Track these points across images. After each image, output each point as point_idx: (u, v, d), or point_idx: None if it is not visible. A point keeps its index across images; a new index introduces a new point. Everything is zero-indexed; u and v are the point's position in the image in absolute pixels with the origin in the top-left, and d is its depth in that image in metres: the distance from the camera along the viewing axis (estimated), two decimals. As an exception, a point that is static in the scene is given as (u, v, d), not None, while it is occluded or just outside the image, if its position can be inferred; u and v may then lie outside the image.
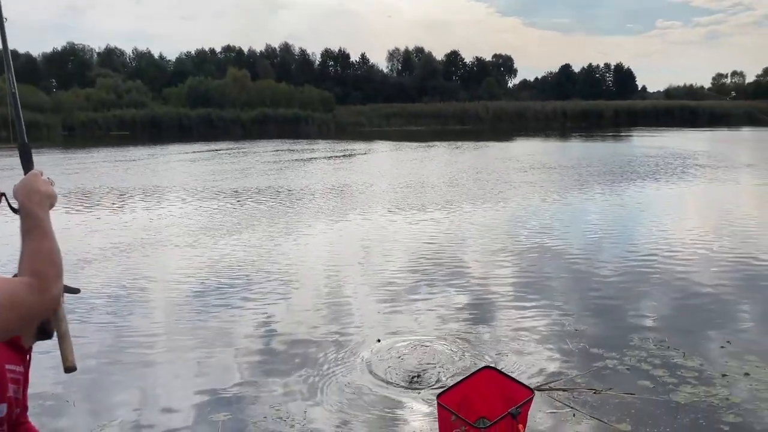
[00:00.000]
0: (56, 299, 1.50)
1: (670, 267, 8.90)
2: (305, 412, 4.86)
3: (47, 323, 2.37)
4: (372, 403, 4.98)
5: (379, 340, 6.08)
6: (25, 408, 2.37)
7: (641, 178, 18.84)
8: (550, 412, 4.74)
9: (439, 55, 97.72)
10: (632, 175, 19.66)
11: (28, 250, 1.46)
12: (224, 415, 4.84)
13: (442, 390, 3.87)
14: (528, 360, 5.76)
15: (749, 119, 56.58)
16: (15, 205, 1.67)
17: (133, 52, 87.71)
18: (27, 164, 1.74)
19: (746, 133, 39.43)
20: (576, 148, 30.01)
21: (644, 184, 17.55)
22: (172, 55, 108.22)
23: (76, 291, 2.65)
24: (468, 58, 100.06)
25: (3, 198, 1.68)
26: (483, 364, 5.55)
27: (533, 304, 7.34)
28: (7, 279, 1.40)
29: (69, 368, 1.85)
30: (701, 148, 28.66)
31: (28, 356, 2.28)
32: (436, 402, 3.69)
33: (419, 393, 5.16)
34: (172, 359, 6.06)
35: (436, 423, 4.40)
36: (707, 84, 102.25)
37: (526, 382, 5.24)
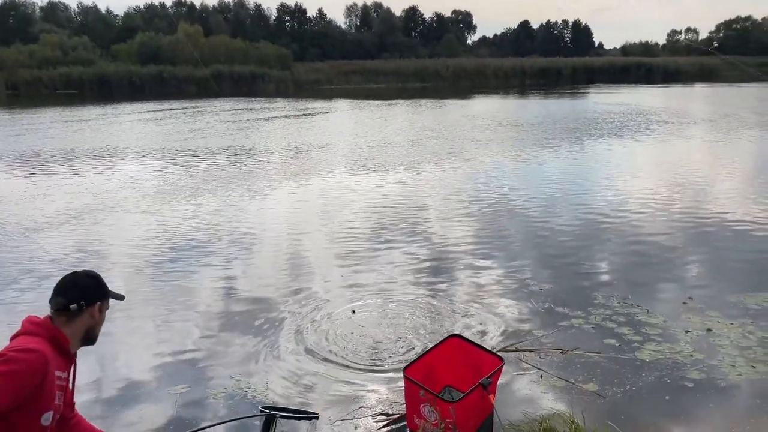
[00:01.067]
0: None
1: (632, 225, 8.97)
2: (267, 382, 4.71)
3: (92, 330, 2.44)
4: (336, 374, 4.85)
5: (354, 312, 5.87)
6: (71, 406, 2.51)
7: (608, 135, 18.84)
8: (518, 374, 4.70)
9: (398, 10, 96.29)
10: (598, 132, 19.67)
11: None
12: (182, 387, 4.65)
13: (408, 362, 3.74)
14: (493, 321, 5.70)
15: (701, 75, 57.64)
16: None
17: (78, 7, 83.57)
18: None
19: (701, 89, 40.12)
20: (537, 105, 30.02)
21: (611, 141, 17.59)
22: (119, 10, 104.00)
23: (120, 297, 2.55)
24: (427, 14, 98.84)
25: None
26: (448, 329, 5.49)
27: (497, 264, 7.29)
28: None
29: None
30: (661, 104, 28.99)
31: (73, 362, 2.41)
32: (402, 374, 3.57)
33: (383, 362, 5.06)
34: (130, 328, 5.84)
35: (402, 394, 4.32)
36: (662, 41, 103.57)
37: (492, 343, 5.21)
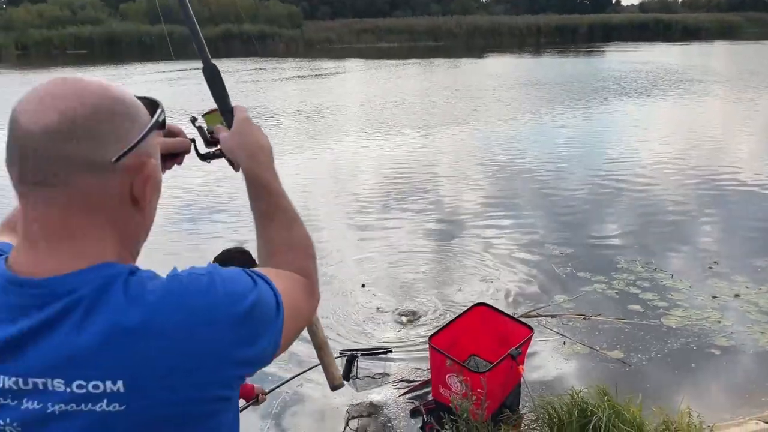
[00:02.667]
0: (317, 304, 1.16)
1: (655, 188, 8.78)
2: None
3: None
4: (349, 342, 4.80)
5: (363, 285, 5.73)
6: None
7: (637, 95, 18.28)
8: (540, 340, 4.62)
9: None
10: (626, 91, 18.98)
11: (278, 239, 1.13)
12: None
13: (434, 331, 3.67)
14: (514, 286, 5.62)
15: (721, 32, 56.17)
16: (204, 150, 1.27)
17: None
18: (221, 97, 1.26)
19: (723, 46, 39.11)
20: (556, 64, 29.40)
21: (641, 101, 17.10)
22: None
23: None
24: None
25: (192, 145, 1.23)
26: (467, 295, 5.41)
27: (516, 228, 7.16)
28: (281, 276, 1.02)
29: (337, 386, 1.45)
30: (688, 62, 28.20)
31: None
32: (428, 344, 3.50)
33: (407, 329, 5.00)
34: None
35: (421, 362, 4.28)
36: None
37: (512, 309, 5.12)
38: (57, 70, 27.81)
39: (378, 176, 9.74)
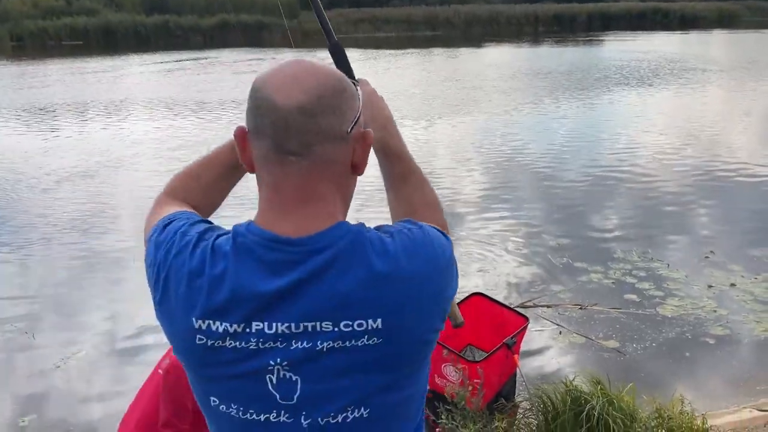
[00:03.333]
0: None
1: (651, 178, 8.78)
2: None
3: None
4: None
5: None
6: None
7: (638, 84, 18.28)
8: (536, 330, 4.65)
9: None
10: (628, 81, 19.02)
11: (415, 199, 1.26)
12: None
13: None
14: (510, 276, 5.64)
15: (720, 21, 56.01)
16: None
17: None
18: (346, 72, 1.32)
19: (722, 35, 39.01)
20: (556, 54, 29.29)
21: (643, 91, 17.08)
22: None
23: None
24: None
25: None
26: (463, 284, 5.43)
27: (515, 220, 7.16)
28: (433, 235, 1.06)
29: (460, 324, 1.62)
30: (689, 51, 28.04)
31: None
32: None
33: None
34: (142, 277, 5.84)
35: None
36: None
37: (509, 299, 5.14)
38: (54, 62, 27.68)
39: (377, 168, 9.73)
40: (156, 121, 14.31)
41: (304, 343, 0.92)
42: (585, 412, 2.74)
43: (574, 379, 3.08)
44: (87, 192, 8.73)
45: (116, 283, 5.86)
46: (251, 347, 0.92)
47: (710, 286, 5.25)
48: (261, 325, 0.92)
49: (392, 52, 30.36)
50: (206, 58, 27.76)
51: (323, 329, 0.91)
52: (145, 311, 5.11)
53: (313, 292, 0.91)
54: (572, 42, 36.09)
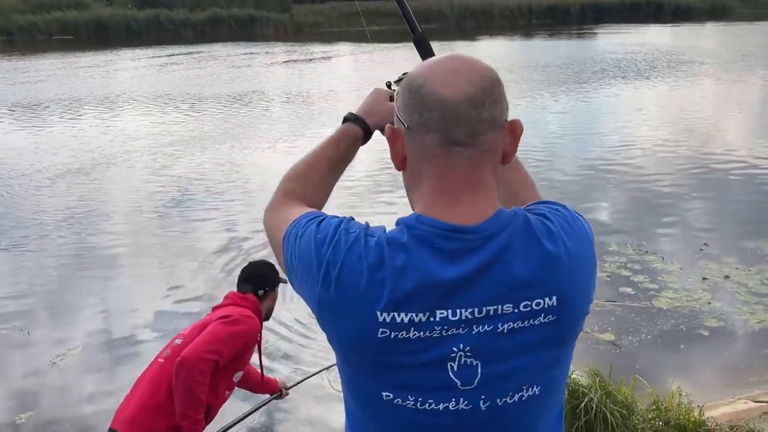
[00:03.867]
0: None
1: (645, 171, 8.81)
2: (277, 333, 4.70)
3: (271, 309, 2.89)
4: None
5: None
6: None
7: (636, 78, 18.30)
8: (533, 323, 4.66)
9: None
10: (625, 74, 19.05)
11: (514, 179, 1.30)
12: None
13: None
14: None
15: (712, 13, 56.08)
16: None
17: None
18: None
19: (716, 27, 39.07)
20: (551, 47, 29.30)
21: (640, 84, 17.11)
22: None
23: (284, 281, 2.73)
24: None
25: None
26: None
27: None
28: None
29: None
30: (684, 44, 28.05)
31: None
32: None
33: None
34: (136, 275, 5.91)
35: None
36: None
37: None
38: (45, 57, 27.49)
39: (367, 159, 9.72)
40: (150, 116, 14.25)
41: (486, 327, 0.96)
42: (583, 405, 2.76)
43: (572, 373, 3.09)
44: (80, 189, 8.70)
45: (110, 281, 5.86)
46: (434, 335, 0.95)
47: (704, 279, 5.28)
48: (445, 312, 0.94)
49: (383, 45, 30.29)
50: (199, 53, 27.62)
51: (504, 312, 0.95)
52: (140, 308, 5.14)
53: (493, 277, 0.95)
54: (566, 35, 36.11)
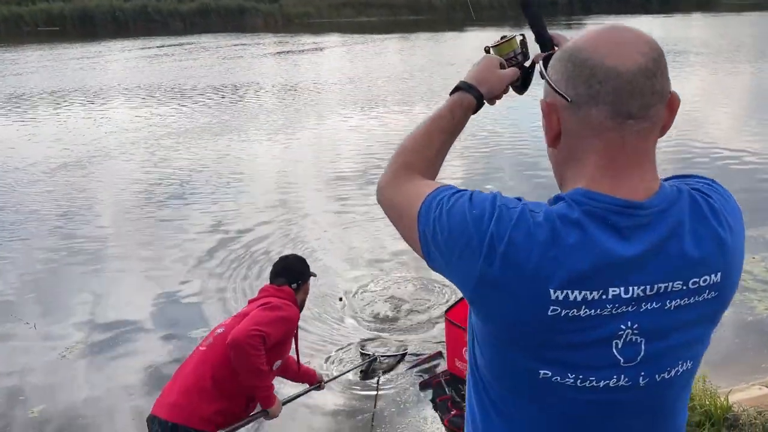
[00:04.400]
0: None
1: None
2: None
3: (303, 302, 2.99)
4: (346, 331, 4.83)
5: (341, 299, 5.28)
6: None
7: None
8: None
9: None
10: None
11: None
12: (175, 327, 4.82)
13: (449, 306, 3.72)
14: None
15: (699, 4, 56.34)
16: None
17: (53, -62, 79.81)
18: (540, 28, 1.29)
19: (705, 18, 39.28)
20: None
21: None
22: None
23: (314, 275, 2.99)
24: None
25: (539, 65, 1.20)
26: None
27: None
28: None
29: None
30: (677, 35, 28.14)
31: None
32: (444, 318, 3.54)
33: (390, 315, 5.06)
34: (122, 267, 5.97)
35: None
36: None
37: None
38: (32, 48, 27.14)
39: (355, 152, 9.68)
40: (142, 108, 14.11)
41: (654, 305, 0.95)
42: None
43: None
44: (74, 182, 8.62)
45: (102, 274, 5.88)
46: (605, 313, 0.94)
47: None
48: (618, 290, 0.93)
49: (373, 36, 30.18)
50: (191, 44, 27.38)
51: (673, 289, 0.95)
52: (133, 300, 5.16)
53: (666, 254, 0.94)
54: (555, 25, 36.15)
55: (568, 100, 0.96)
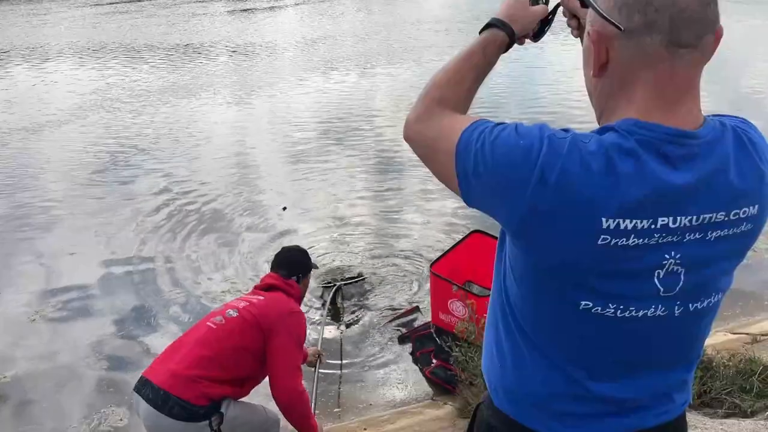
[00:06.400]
0: None
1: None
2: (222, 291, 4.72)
3: (304, 294, 3.00)
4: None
5: (284, 208, 5.52)
6: None
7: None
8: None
9: None
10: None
11: None
12: (128, 294, 4.76)
13: (434, 259, 3.75)
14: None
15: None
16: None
17: None
18: None
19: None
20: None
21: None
22: None
23: (316, 267, 3.13)
24: None
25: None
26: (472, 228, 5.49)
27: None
28: None
29: None
30: None
31: None
32: (429, 271, 3.56)
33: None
34: (72, 231, 5.88)
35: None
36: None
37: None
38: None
39: (312, 115, 9.51)
40: (80, 68, 13.55)
41: (697, 235, 0.96)
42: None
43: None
44: (25, 147, 8.31)
45: (47, 240, 5.75)
46: (651, 243, 0.95)
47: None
48: (666, 220, 0.94)
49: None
50: (131, 2, 26.27)
51: (716, 220, 0.96)
52: (80, 265, 5.06)
53: (715, 184, 0.95)
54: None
55: (620, 29, 0.95)
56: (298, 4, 27.14)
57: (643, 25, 0.93)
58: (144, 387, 2.27)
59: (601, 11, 0.97)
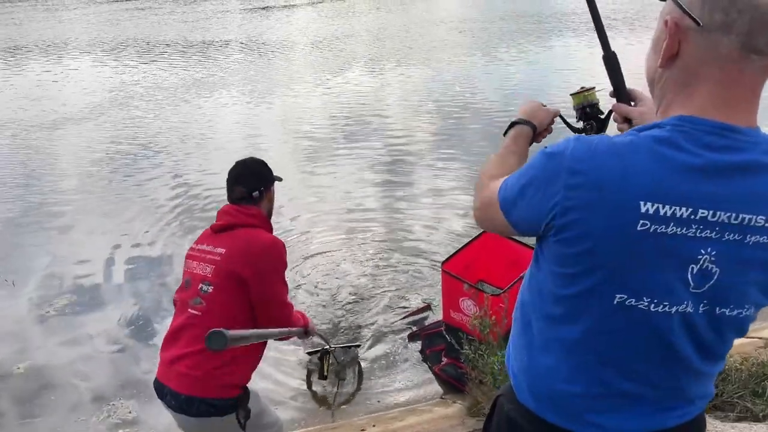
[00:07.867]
0: None
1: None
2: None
3: (271, 211, 2.52)
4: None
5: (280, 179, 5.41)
6: None
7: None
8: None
9: None
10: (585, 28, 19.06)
11: None
12: (140, 289, 4.82)
13: (446, 257, 3.75)
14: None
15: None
16: (577, 125, 1.49)
17: None
18: (618, 84, 1.41)
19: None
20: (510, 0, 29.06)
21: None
22: None
23: (279, 179, 2.49)
24: None
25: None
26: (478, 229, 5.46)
27: (464, 167, 6.94)
28: None
29: None
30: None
31: None
32: (441, 269, 3.57)
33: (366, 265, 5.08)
34: (86, 226, 5.93)
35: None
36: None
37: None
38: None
39: (325, 113, 9.50)
40: (95, 64, 13.66)
41: (735, 235, 0.95)
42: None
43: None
44: (40, 144, 8.39)
45: (63, 234, 5.82)
46: (689, 234, 0.94)
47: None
48: (706, 212, 0.94)
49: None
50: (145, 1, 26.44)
51: (755, 223, 0.95)
52: (93, 258, 5.08)
53: (755, 185, 0.95)
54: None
55: (698, 24, 0.95)
56: (313, 3, 27.20)
57: (722, 24, 0.93)
58: (164, 394, 2.17)
59: (681, 3, 0.98)
